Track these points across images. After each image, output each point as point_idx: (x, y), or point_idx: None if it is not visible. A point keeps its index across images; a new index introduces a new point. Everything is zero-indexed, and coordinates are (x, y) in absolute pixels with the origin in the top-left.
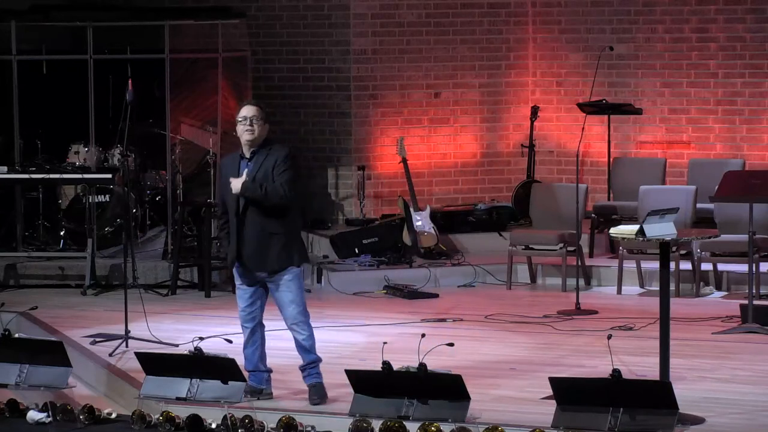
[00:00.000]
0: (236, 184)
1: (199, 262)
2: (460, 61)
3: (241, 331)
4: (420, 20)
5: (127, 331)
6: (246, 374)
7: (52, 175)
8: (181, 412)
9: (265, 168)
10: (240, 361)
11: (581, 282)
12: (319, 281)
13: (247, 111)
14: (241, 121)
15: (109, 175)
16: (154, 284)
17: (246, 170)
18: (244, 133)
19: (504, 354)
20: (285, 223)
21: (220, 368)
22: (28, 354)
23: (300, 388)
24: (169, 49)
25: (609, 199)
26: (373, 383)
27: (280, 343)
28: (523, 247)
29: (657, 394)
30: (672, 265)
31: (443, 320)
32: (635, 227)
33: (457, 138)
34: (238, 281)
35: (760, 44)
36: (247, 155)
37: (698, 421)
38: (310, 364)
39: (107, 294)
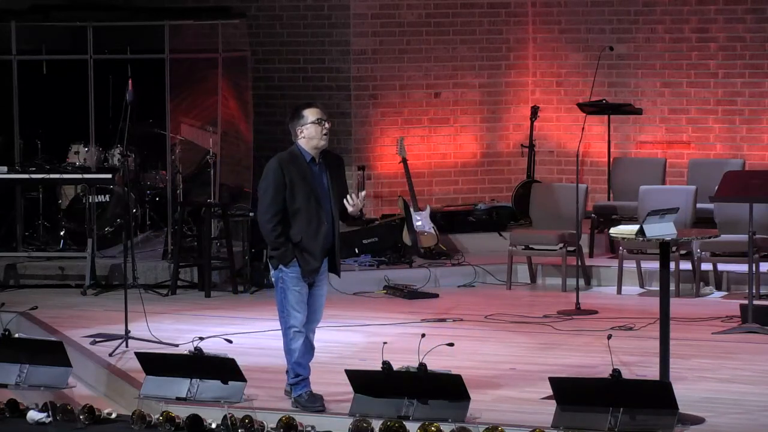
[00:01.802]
0: (356, 210)
1: (199, 262)
2: (460, 61)
3: (239, 331)
4: (420, 20)
5: (127, 331)
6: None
7: (52, 175)
8: (181, 412)
9: (336, 177)
10: (241, 361)
11: (581, 282)
12: None
13: (322, 113)
14: (317, 123)
15: (109, 175)
16: (154, 284)
17: (324, 178)
18: (322, 138)
19: (504, 354)
20: None
21: (220, 368)
22: (28, 354)
23: None
24: (169, 49)
25: (609, 199)
26: (373, 383)
27: (279, 343)
28: (523, 247)
29: (657, 394)
30: (672, 265)
31: (443, 320)
32: (635, 227)
33: (457, 138)
34: (298, 286)
35: (760, 44)
36: (316, 160)
37: (698, 421)
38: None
39: (107, 294)
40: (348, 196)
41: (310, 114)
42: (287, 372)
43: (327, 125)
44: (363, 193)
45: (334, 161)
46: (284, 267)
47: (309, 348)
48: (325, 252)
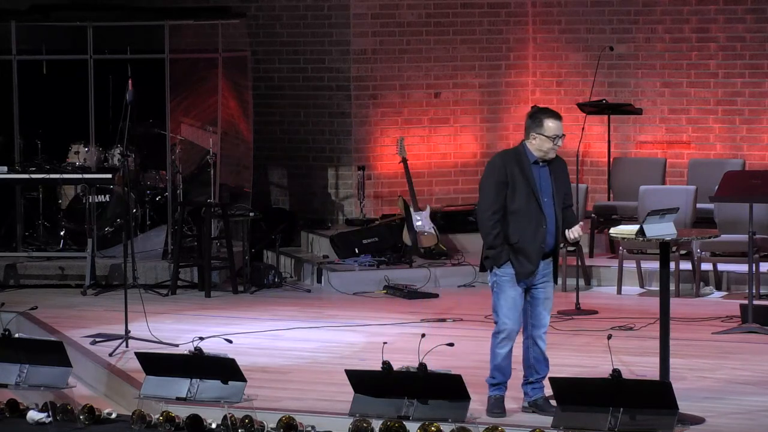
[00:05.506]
0: (578, 233)
1: (199, 262)
2: (460, 61)
3: (239, 331)
4: (420, 20)
5: (127, 331)
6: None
7: (52, 175)
8: (181, 412)
9: (559, 180)
10: (241, 361)
11: (581, 282)
12: (319, 281)
13: (560, 130)
14: (551, 139)
15: (109, 175)
16: (154, 284)
17: (548, 180)
18: (549, 151)
19: None
20: None
21: (220, 368)
22: (28, 354)
23: (301, 388)
24: (169, 49)
25: (609, 199)
26: (373, 383)
27: (279, 343)
28: None
29: (657, 394)
30: (672, 265)
31: (443, 320)
32: (635, 227)
33: (457, 138)
34: (513, 290)
35: (760, 44)
36: (540, 162)
37: (698, 421)
38: (544, 378)
39: (107, 294)
40: (568, 231)
41: (549, 129)
42: (535, 381)
43: (560, 143)
44: (580, 225)
45: (560, 164)
46: (497, 268)
47: (541, 358)
48: (542, 255)
